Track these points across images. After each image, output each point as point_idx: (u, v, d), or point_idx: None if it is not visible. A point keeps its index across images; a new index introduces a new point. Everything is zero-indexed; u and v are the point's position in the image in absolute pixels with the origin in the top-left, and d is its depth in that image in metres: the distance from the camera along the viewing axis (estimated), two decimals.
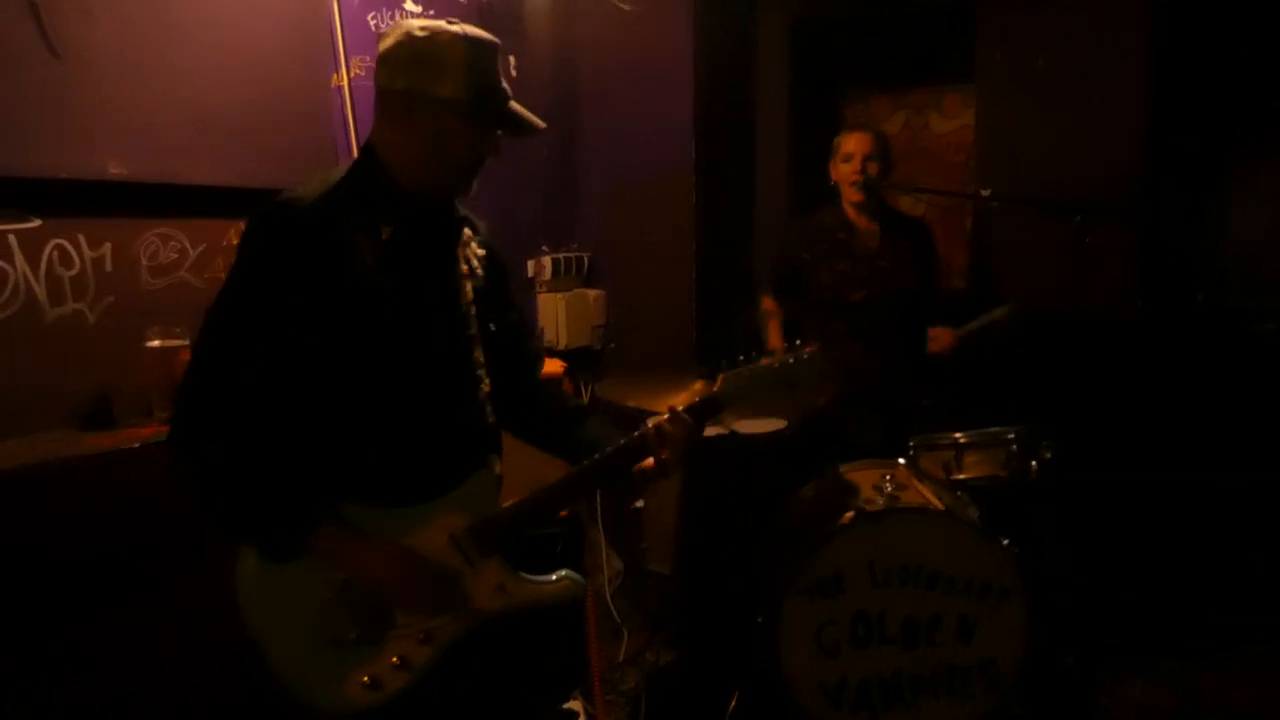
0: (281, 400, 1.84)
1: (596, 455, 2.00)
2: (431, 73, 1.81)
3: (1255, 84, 4.07)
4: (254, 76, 3.20)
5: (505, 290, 2.16)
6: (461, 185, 1.94)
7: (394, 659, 1.89)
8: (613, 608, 4.18)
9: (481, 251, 2.07)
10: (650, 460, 2.00)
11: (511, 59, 4.47)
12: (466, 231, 2.06)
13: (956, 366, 3.73)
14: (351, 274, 1.81)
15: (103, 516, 2.49)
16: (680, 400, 2.06)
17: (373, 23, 3.77)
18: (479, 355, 2.02)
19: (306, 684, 1.89)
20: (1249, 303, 4.10)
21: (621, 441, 2.00)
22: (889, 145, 3.85)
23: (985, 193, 3.70)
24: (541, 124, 1.95)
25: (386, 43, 1.85)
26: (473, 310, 2.01)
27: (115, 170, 2.83)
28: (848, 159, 3.76)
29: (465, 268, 2.02)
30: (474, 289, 2.02)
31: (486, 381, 2.04)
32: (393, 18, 3.84)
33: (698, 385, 2.16)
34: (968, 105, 4.90)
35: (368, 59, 3.74)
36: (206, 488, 1.85)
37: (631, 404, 3.47)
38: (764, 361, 2.05)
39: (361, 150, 1.94)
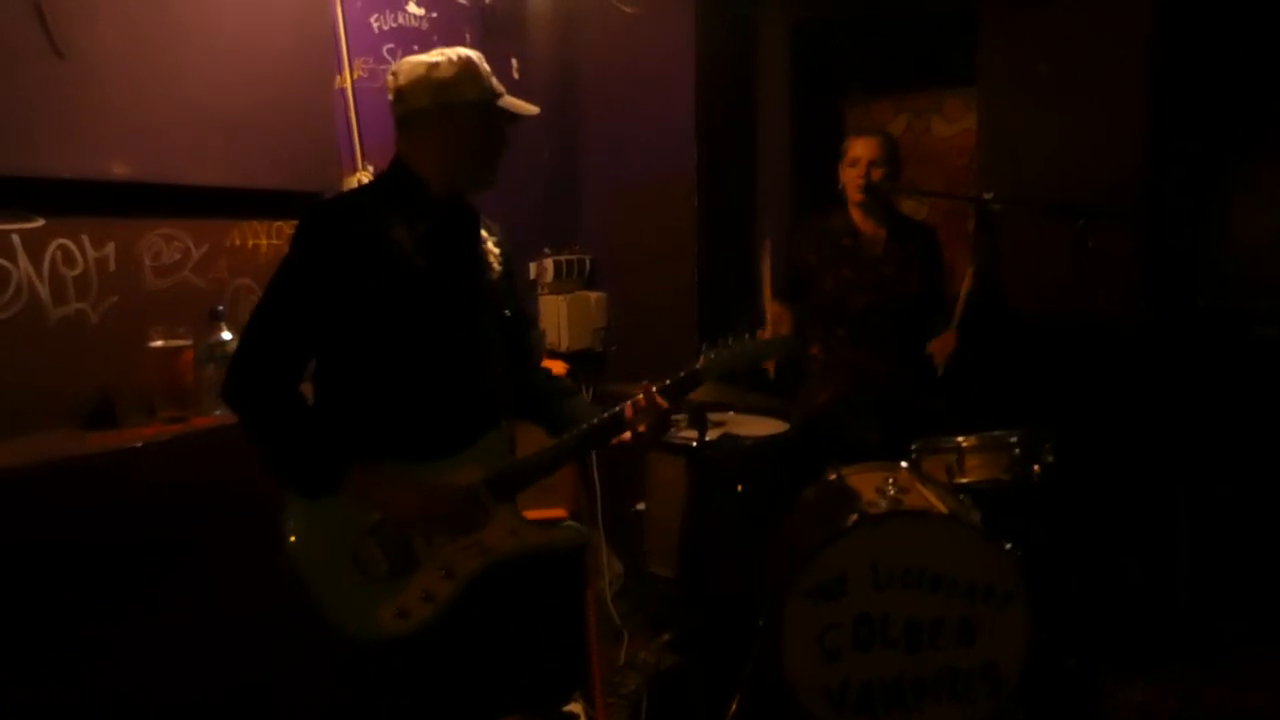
0: (323, 362, 2.19)
1: (583, 426, 2.29)
2: (455, 86, 2.17)
3: (1257, 86, 4.08)
4: (258, 78, 3.20)
5: (514, 284, 2.48)
6: (489, 177, 2.28)
7: (420, 591, 2.14)
8: (613, 610, 4.18)
9: (496, 250, 2.40)
10: (628, 434, 2.28)
11: (514, 61, 4.48)
12: (484, 232, 2.38)
13: (959, 368, 3.73)
14: (392, 257, 2.12)
15: (105, 516, 2.48)
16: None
17: (375, 24, 3.78)
18: (497, 331, 2.33)
19: (345, 615, 2.12)
20: (1252, 306, 4.11)
21: (603, 415, 2.28)
22: (898, 150, 3.85)
23: (988, 196, 3.70)
24: (534, 109, 2.31)
25: (402, 79, 2.19)
26: (493, 293, 2.34)
27: (119, 170, 2.83)
28: (854, 163, 3.76)
29: (488, 259, 2.36)
30: (494, 277, 2.36)
31: (501, 353, 2.34)
32: (395, 20, 3.85)
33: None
34: (969, 109, 4.91)
35: (370, 60, 3.75)
36: (252, 432, 2.12)
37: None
38: (740, 340, 2.35)
39: (392, 163, 2.26)
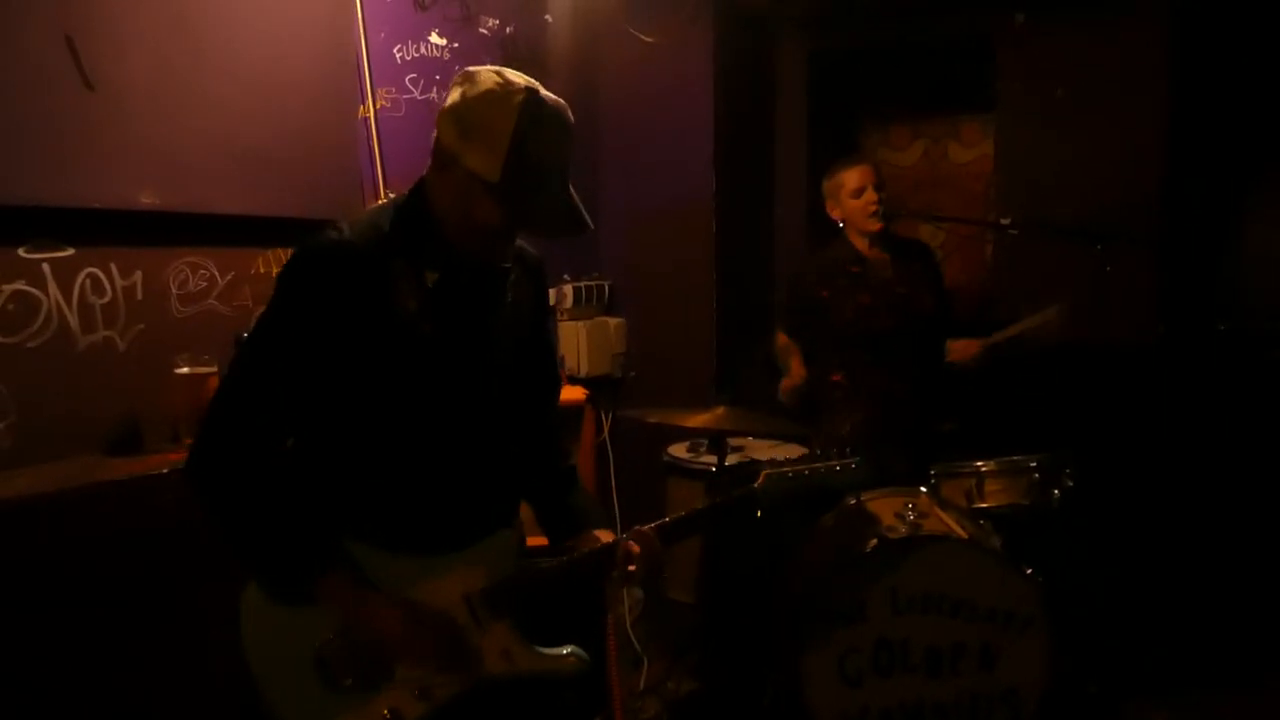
0: (305, 436, 1.83)
1: (575, 555, 1.97)
2: (471, 138, 1.71)
3: (1272, 109, 4.08)
4: (282, 108, 3.25)
5: (545, 336, 2.13)
6: (488, 254, 1.84)
7: (385, 711, 1.83)
8: (633, 636, 4.17)
9: (529, 287, 2.00)
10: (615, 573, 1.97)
11: None
12: (517, 269, 1.96)
13: (977, 389, 3.72)
14: (392, 317, 1.75)
15: (129, 541, 2.51)
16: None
17: (398, 55, 3.83)
18: (513, 411, 1.98)
19: None
20: (1270, 329, 4.09)
21: (599, 549, 1.96)
22: (880, 171, 3.85)
23: (1005, 221, 3.70)
24: (588, 224, 1.79)
25: (454, 94, 1.75)
26: (513, 362, 1.96)
27: (147, 200, 2.88)
28: (858, 193, 3.73)
29: (513, 314, 1.95)
30: (516, 339, 1.96)
31: (517, 438, 2.03)
32: (418, 50, 3.90)
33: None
34: (986, 134, 4.92)
35: (393, 90, 3.80)
36: (219, 522, 1.78)
37: (652, 420, 3.48)
38: (806, 466, 2.13)
39: (413, 187, 1.86)
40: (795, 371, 3.83)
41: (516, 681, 1.91)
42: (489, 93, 1.71)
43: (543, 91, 1.74)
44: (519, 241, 1.94)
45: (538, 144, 1.70)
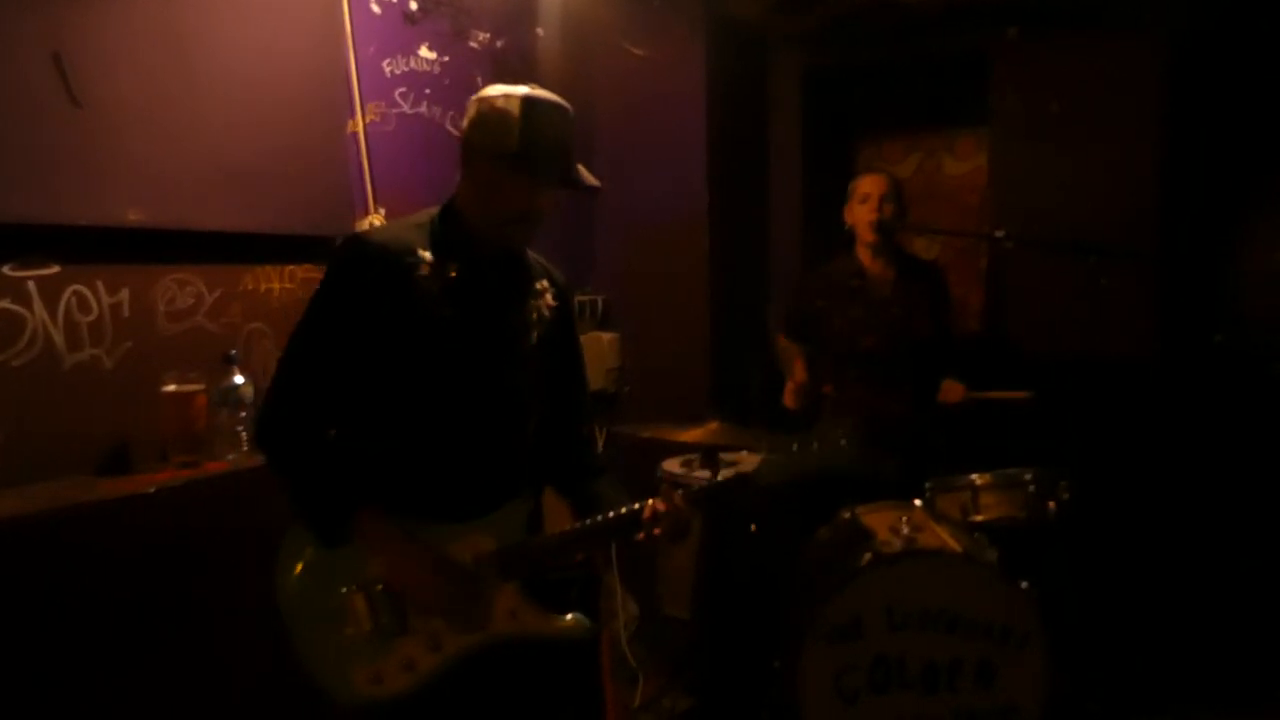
0: (348, 409, 2.06)
1: (599, 516, 2.13)
2: (488, 127, 1.99)
3: (1269, 123, 4.07)
4: (271, 123, 3.23)
5: (571, 342, 2.33)
6: (516, 236, 2.11)
7: (403, 658, 2.01)
8: (629, 653, 4.15)
9: (555, 303, 2.25)
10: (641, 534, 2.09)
11: None
12: (543, 283, 2.24)
13: (967, 415, 3.73)
14: (415, 302, 1.99)
15: (116, 562, 2.49)
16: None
17: (387, 69, 3.82)
18: (530, 397, 2.18)
19: (320, 667, 2.02)
20: (1267, 343, 4.08)
21: (623, 510, 2.11)
22: (903, 189, 3.87)
23: (1000, 234, 3.70)
24: (594, 181, 2.09)
25: (471, 109, 2.03)
26: (533, 355, 2.17)
27: (134, 216, 2.85)
28: (864, 200, 3.77)
29: (534, 316, 2.18)
30: (539, 336, 2.18)
31: (533, 420, 2.20)
32: (407, 64, 3.88)
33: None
34: (981, 147, 4.92)
35: (383, 104, 3.78)
36: (276, 473, 2.04)
37: (646, 435, 3.47)
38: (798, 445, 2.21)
39: (449, 199, 2.13)
40: (799, 373, 3.83)
41: (523, 646, 2.08)
42: (496, 95, 2.00)
43: (541, 90, 2.03)
44: (548, 264, 2.29)
45: (543, 118, 1.99)
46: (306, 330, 2.04)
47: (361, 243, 2.07)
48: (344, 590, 2.02)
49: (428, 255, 2.03)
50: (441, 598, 2.01)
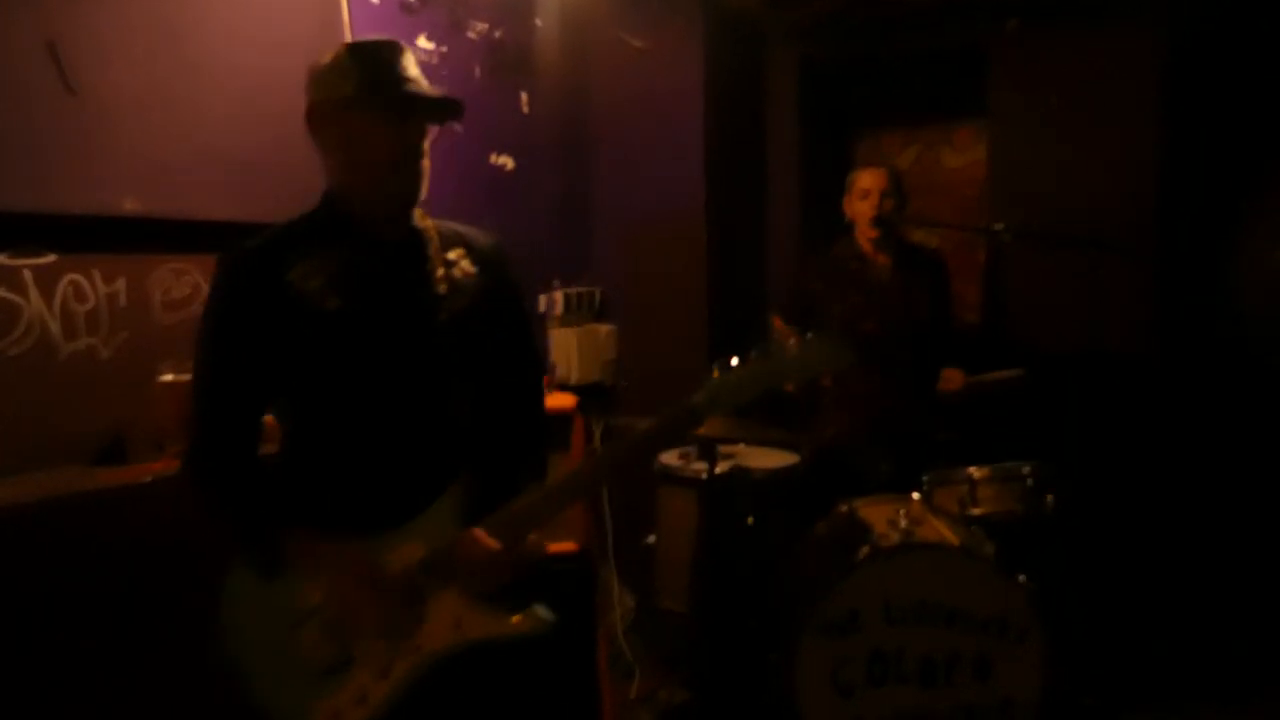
0: (278, 420, 1.96)
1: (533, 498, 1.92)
2: (322, 81, 1.89)
3: (1269, 116, 4.06)
4: (267, 112, 3.21)
5: (507, 309, 2.10)
6: (397, 186, 1.89)
7: (356, 692, 1.85)
8: (625, 646, 4.14)
9: (473, 269, 2.02)
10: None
11: (523, 95, 4.50)
12: (456, 251, 2.02)
13: (967, 405, 3.72)
14: (291, 303, 1.84)
15: (112, 551, 2.47)
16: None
17: None
18: (449, 377, 1.97)
19: (280, 713, 1.89)
20: (1266, 337, 4.07)
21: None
22: (903, 181, 3.87)
23: (999, 227, 3.69)
24: (437, 94, 1.90)
25: (306, 82, 1.93)
26: (448, 331, 1.95)
27: (130, 206, 2.84)
28: (864, 195, 3.77)
29: (444, 289, 1.96)
30: (457, 309, 1.97)
31: (459, 404, 1.99)
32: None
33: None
34: (979, 139, 4.90)
35: None
36: (210, 507, 1.93)
37: (643, 427, 3.45)
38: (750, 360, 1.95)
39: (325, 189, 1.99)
40: None
41: (482, 655, 1.88)
42: (323, 58, 1.91)
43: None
44: (467, 230, 2.07)
45: (372, 54, 1.87)
46: (200, 361, 1.91)
47: (233, 256, 1.90)
48: (288, 627, 1.87)
49: (300, 251, 1.88)
50: (379, 618, 1.83)
